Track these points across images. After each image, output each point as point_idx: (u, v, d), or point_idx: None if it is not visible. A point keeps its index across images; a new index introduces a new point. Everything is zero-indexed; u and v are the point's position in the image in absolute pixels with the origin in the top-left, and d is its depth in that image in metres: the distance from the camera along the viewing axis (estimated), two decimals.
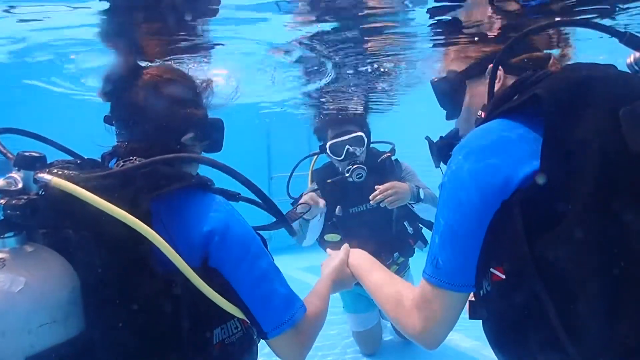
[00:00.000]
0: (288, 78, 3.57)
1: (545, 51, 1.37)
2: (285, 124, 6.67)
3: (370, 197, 2.85)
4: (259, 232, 1.30)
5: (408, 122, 5.05)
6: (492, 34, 1.98)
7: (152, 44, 2.18)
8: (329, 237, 3.12)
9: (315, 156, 3.31)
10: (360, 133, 3.00)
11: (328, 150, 3.02)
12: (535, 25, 1.21)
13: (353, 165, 2.96)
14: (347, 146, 2.96)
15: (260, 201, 1.27)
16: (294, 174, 3.31)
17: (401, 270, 3.34)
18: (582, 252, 0.85)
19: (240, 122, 5.95)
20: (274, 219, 1.37)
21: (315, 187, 3.17)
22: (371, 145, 3.19)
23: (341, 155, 2.97)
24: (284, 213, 2.21)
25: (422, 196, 2.92)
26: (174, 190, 1.12)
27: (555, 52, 1.40)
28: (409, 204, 2.94)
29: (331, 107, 4.36)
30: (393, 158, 3.22)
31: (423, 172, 3.20)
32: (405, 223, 3.17)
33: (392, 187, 2.85)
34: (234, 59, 2.81)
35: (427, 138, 1.46)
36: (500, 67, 1.26)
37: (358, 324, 3.44)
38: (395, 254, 3.25)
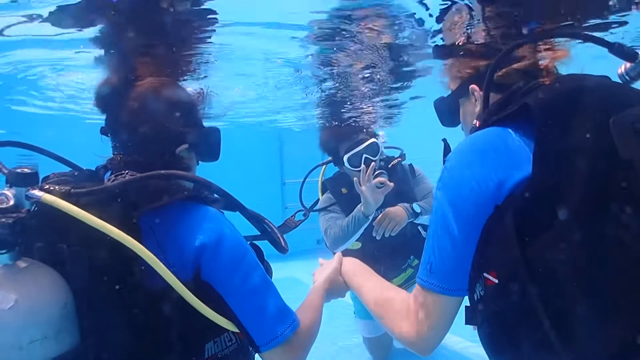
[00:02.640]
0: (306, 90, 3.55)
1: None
2: (298, 130, 6.71)
3: (374, 233, 2.87)
4: (254, 242, 1.30)
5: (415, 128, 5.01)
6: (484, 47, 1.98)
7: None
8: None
9: (324, 166, 3.30)
10: (374, 140, 3.00)
11: (347, 164, 2.97)
12: (526, 38, 1.21)
13: (373, 172, 2.94)
14: (364, 155, 2.95)
15: (252, 214, 1.26)
16: (305, 181, 3.29)
17: (415, 274, 3.29)
18: (574, 256, 0.86)
19: (253, 130, 6.00)
20: (279, 226, 1.37)
21: (332, 199, 3.14)
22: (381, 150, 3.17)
23: (359, 166, 2.93)
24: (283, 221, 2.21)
25: (418, 210, 2.93)
26: (166, 204, 1.13)
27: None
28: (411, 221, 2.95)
29: (345, 116, 4.31)
30: (405, 163, 3.20)
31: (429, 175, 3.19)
32: (419, 227, 3.15)
33: (386, 216, 2.86)
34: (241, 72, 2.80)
35: (444, 140, 1.46)
36: (477, 88, 1.28)
37: (369, 330, 3.41)
38: (411, 257, 3.24)
